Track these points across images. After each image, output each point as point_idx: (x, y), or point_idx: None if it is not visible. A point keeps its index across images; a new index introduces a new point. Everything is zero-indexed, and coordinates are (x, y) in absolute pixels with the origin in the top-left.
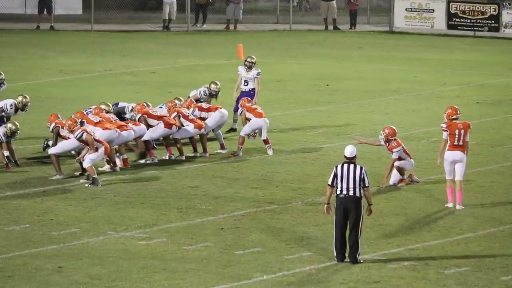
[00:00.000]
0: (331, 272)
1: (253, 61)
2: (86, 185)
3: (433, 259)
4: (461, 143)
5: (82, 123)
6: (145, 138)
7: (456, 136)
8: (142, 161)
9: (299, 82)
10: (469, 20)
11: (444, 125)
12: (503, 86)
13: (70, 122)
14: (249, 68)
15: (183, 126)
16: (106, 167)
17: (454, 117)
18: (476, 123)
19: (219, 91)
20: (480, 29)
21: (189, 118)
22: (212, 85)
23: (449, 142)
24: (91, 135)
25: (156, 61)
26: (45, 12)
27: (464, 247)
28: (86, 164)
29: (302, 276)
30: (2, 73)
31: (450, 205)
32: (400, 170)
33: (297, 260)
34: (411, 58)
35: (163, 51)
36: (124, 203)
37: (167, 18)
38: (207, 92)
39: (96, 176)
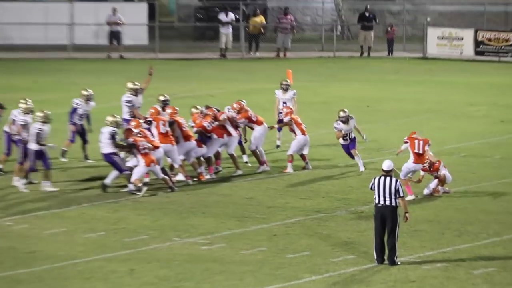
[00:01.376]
0: (372, 273)
1: (288, 83)
2: (137, 193)
3: (463, 261)
4: None
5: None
6: (208, 154)
7: None
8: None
9: (342, 104)
10: (494, 47)
11: None
12: None
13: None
14: (285, 90)
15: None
16: (180, 177)
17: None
18: (501, 139)
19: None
20: (504, 54)
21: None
22: (341, 113)
23: None
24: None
25: (214, 85)
26: (115, 43)
27: (491, 250)
28: (134, 178)
29: (346, 276)
30: (90, 90)
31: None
32: (443, 181)
33: (341, 263)
34: (442, 81)
35: (220, 77)
36: (187, 213)
37: (223, 47)
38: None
39: (141, 184)
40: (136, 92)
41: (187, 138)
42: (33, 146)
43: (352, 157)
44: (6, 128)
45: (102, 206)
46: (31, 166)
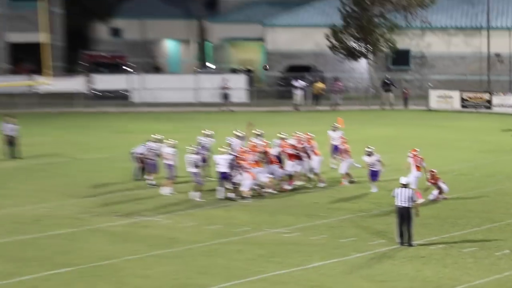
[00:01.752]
0: (396, 251)
1: (336, 126)
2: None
3: (455, 243)
4: None
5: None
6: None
7: None
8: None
9: (375, 140)
10: (473, 103)
11: None
12: (495, 140)
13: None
14: (334, 130)
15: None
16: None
17: None
18: (480, 163)
19: None
20: (480, 107)
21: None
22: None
23: None
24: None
25: (291, 128)
26: (225, 101)
27: (474, 236)
28: (245, 188)
29: (379, 254)
30: (211, 131)
31: None
32: (441, 191)
33: (376, 245)
34: (440, 125)
35: (295, 122)
36: (274, 212)
37: (297, 103)
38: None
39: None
40: (239, 137)
41: (273, 162)
42: (170, 162)
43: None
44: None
45: (219, 208)
46: (172, 177)
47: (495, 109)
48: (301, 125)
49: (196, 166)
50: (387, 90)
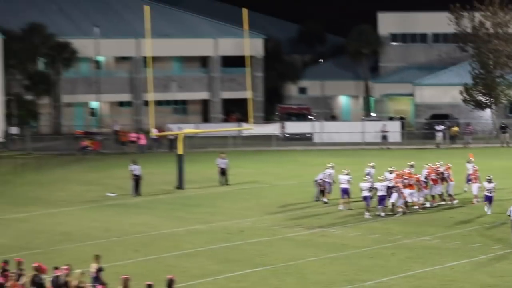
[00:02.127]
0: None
1: (470, 160)
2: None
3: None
4: None
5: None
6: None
7: None
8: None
9: (497, 171)
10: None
11: None
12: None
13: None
14: (469, 162)
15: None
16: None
17: None
18: None
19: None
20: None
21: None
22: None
23: None
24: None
25: (434, 160)
26: (385, 140)
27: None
28: (399, 203)
29: (499, 256)
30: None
31: None
32: None
33: (496, 249)
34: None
35: (438, 158)
36: (419, 224)
37: (438, 142)
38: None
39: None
40: (390, 171)
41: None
42: (344, 186)
43: None
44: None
45: (378, 221)
46: (343, 196)
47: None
48: (441, 159)
49: (368, 191)
50: (504, 132)
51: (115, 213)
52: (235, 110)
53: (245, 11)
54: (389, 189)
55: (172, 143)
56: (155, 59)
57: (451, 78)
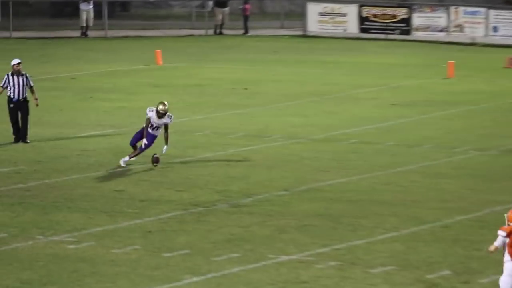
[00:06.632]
0: (259, 273)
1: None
2: None
3: (359, 259)
4: None
5: None
6: None
7: None
8: None
9: (218, 86)
10: (380, 24)
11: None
12: (416, 87)
13: None
14: None
15: None
16: None
17: None
18: (393, 124)
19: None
20: (392, 32)
21: None
22: (159, 105)
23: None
24: None
25: (75, 67)
26: None
27: (389, 246)
28: None
29: (231, 277)
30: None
31: None
32: None
33: (225, 262)
34: (326, 61)
35: (82, 57)
36: (51, 208)
37: (84, 24)
38: (153, 109)
39: None
40: None
41: None
42: None
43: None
44: None
45: None
46: None
47: (417, 35)
48: (92, 62)
49: None
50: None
51: None
52: None
53: None
54: None
55: None
56: None
57: None
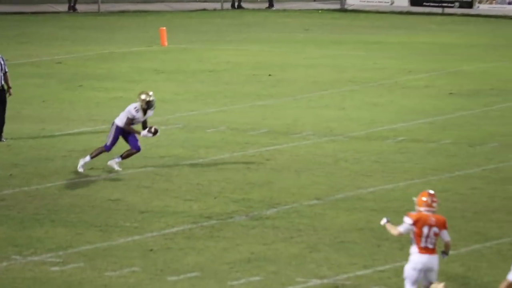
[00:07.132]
0: None
1: None
2: None
3: None
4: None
5: None
6: None
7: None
8: None
9: (236, 72)
10: None
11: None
12: (480, 72)
13: None
14: None
15: None
16: None
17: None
18: (450, 118)
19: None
20: (450, 5)
21: None
22: (143, 96)
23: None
24: None
25: (62, 49)
26: None
27: (445, 267)
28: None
29: None
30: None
31: None
32: None
33: (244, 287)
34: (369, 41)
35: (70, 37)
36: (30, 221)
37: None
38: (138, 108)
39: None
40: None
41: None
42: None
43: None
44: None
45: None
46: None
47: (481, 8)
48: (82, 42)
49: None
50: None
51: None
52: None
53: None
54: None
55: None
56: None
57: None
